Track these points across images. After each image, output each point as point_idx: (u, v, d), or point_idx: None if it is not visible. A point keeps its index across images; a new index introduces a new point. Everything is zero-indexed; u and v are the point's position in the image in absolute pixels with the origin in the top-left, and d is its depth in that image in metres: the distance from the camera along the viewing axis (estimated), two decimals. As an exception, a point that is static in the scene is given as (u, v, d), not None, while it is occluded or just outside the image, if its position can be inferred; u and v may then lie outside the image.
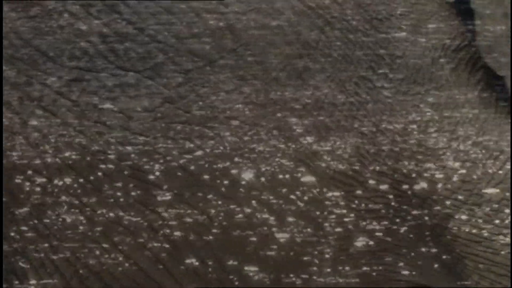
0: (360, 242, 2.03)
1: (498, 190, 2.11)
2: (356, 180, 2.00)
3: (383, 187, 2.06)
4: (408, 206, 2.11)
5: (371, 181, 2.04)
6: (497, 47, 2.19)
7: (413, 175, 2.09)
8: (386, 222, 2.08)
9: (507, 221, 2.08)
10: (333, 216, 1.97)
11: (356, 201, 2.03)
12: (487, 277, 2.05)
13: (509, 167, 2.11)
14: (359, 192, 2.03)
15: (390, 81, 2.07)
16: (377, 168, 2.05)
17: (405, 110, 2.09)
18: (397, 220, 2.12)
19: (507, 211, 2.09)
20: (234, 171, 1.87)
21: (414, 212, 2.11)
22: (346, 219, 2.01)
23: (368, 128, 2.03)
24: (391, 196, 2.09)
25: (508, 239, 2.06)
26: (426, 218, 2.11)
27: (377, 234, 2.09)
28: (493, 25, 2.20)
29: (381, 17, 2.08)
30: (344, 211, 2.01)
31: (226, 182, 1.88)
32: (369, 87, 2.03)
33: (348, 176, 2.00)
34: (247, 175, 1.88)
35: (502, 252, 2.05)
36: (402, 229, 2.12)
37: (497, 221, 2.07)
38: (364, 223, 2.04)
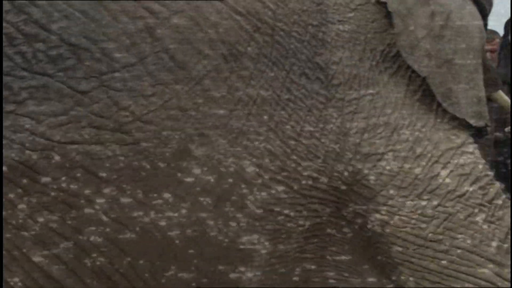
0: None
1: (435, 196, 2.06)
2: (287, 186, 1.93)
3: (319, 193, 2.01)
4: (344, 210, 2.07)
5: (305, 184, 1.97)
6: (419, 48, 2.12)
7: (350, 180, 2.03)
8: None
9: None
10: None
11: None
12: (421, 284, 2.01)
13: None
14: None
15: (325, 87, 2.00)
16: (313, 174, 1.98)
17: (341, 115, 2.02)
18: (332, 224, 2.07)
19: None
20: None
21: (349, 217, 2.07)
22: None
23: (303, 134, 1.96)
24: (327, 200, 2.04)
25: (443, 247, 2.01)
26: (363, 223, 2.06)
27: None
28: (415, 25, 2.13)
29: (317, 23, 2.00)
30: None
31: None
32: (303, 93, 1.95)
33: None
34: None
35: (437, 259, 2.01)
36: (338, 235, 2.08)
37: (432, 228, 2.02)
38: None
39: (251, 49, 1.83)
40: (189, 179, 1.73)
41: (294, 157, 1.92)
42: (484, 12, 2.57)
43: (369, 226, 2.03)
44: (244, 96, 1.81)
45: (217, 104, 1.76)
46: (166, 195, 1.71)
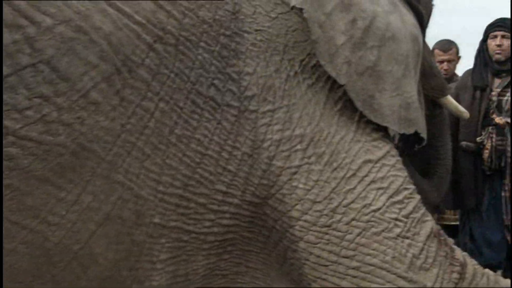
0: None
1: (350, 210, 2.02)
2: (193, 201, 1.88)
3: (231, 208, 1.95)
4: (258, 225, 2.02)
5: (214, 199, 1.93)
6: (338, 55, 2.05)
7: (265, 194, 1.98)
8: None
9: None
10: None
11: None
12: None
13: None
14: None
15: (238, 99, 1.93)
16: (223, 188, 1.92)
17: (255, 128, 1.96)
18: (246, 239, 2.03)
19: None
20: None
21: (264, 232, 2.03)
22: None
23: (211, 147, 1.89)
24: (241, 215, 1.99)
25: (355, 263, 1.98)
26: (278, 239, 2.02)
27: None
28: (334, 32, 2.06)
29: (230, 33, 1.93)
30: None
31: None
32: (211, 105, 1.87)
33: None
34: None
35: (349, 276, 1.98)
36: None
37: (345, 243, 1.98)
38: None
39: (150, 60, 1.75)
40: (70, 197, 1.65)
41: (201, 172, 1.86)
42: (421, 19, 2.52)
43: (284, 242, 1.98)
44: (139, 109, 1.74)
45: (106, 118, 1.68)
46: (44, 214, 1.63)
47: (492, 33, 3.64)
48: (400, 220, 2.02)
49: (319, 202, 1.97)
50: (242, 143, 1.93)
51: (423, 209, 2.09)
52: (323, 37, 2.04)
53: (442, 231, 2.12)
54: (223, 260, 1.98)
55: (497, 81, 3.66)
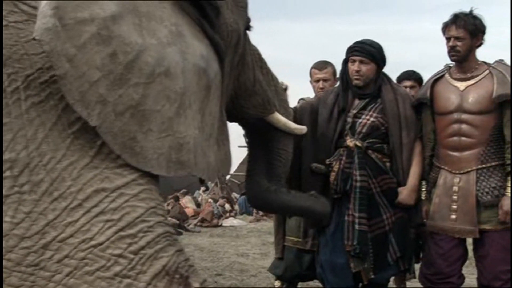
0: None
1: (66, 246, 1.83)
2: None
3: None
4: None
5: None
6: (91, 93, 1.84)
7: None
8: None
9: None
10: None
11: None
12: None
13: None
14: None
15: None
16: None
17: None
18: None
19: None
20: None
21: None
22: None
23: None
24: None
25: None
26: None
27: None
28: (88, 67, 1.84)
29: None
30: None
31: None
32: None
33: None
34: None
35: None
36: None
37: (51, 285, 1.80)
38: None
39: None
40: None
41: None
42: (218, 48, 2.35)
43: None
44: None
45: None
46: None
47: (351, 57, 3.49)
48: (125, 257, 1.84)
49: (29, 237, 1.77)
50: None
51: (162, 244, 1.92)
52: (72, 72, 1.81)
53: (184, 268, 1.95)
54: None
55: (356, 102, 3.52)
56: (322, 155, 3.48)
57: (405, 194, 3.39)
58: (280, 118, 3.03)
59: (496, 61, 3.31)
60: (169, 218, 9.95)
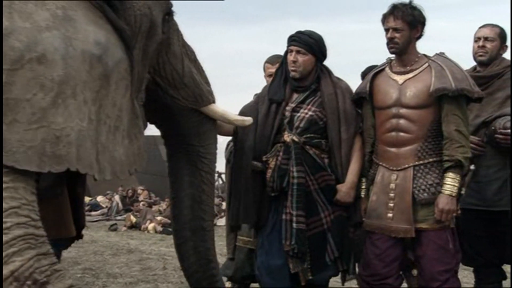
0: None
1: None
2: None
3: None
4: None
5: None
6: None
7: None
8: None
9: None
10: None
11: None
12: None
13: None
14: None
15: None
16: None
17: None
18: None
19: None
20: None
21: None
22: None
23: None
24: None
25: None
26: None
27: None
28: None
29: None
30: None
31: None
32: None
33: None
34: None
35: None
36: None
37: None
38: None
39: None
40: None
41: None
42: (123, 34, 2.21)
43: None
44: None
45: None
46: None
47: (288, 48, 3.35)
48: None
49: None
50: None
51: (17, 247, 1.77)
52: None
53: (43, 274, 1.79)
54: None
55: (294, 96, 3.38)
56: (260, 152, 3.34)
57: (343, 191, 3.26)
58: (217, 109, 2.95)
59: (437, 54, 3.19)
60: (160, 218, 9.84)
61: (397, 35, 3.11)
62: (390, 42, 3.13)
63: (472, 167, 3.03)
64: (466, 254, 3.66)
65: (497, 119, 3.46)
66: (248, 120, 3.15)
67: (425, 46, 3.24)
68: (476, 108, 3.58)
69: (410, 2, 3.13)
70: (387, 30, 3.14)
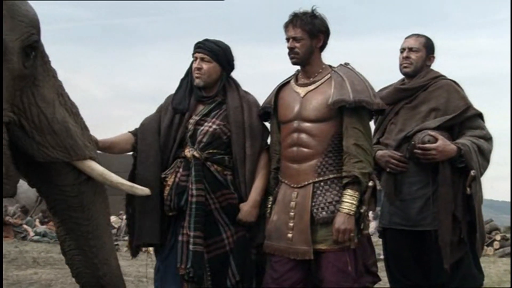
0: None
1: None
2: None
3: None
4: None
5: None
6: None
7: None
8: None
9: None
10: None
11: None
12: None
13: None
14: None
15: None
16: None
17: None
18: None
19: None
20: None
21: None
22: None
23: None
24: None
25: None
26: None
27: None
28: None
29: None
30: None
31: None
32: None
33: None
34: None
35: None
36: None
37: None
38: None
39: None
40: None
41: None
42: None
43: None
44: None
45: None
46: None
47: (193, 55, 3.19)
48: None
49: None
50: None
51: None
52: None
53: None
54: None
55: (199, 108, 3.20)
56: (156, 167, 3.14)
57: (245, 210, 3.06)
58: (95, 167, 2.62)
59: (340, 65, 3.02)
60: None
61: (297, 44, 2.94)
62: (291, 52, 2.96)
63: (370, 183, 2.83)
64: (393, 276, 3.47)
65: (417, 133, 3.28)
66: (141, 190, 2.81)
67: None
68: (400, 122, 3.41)
69: (312, 11, 2.97)
70: (287, 40, 2.98)
